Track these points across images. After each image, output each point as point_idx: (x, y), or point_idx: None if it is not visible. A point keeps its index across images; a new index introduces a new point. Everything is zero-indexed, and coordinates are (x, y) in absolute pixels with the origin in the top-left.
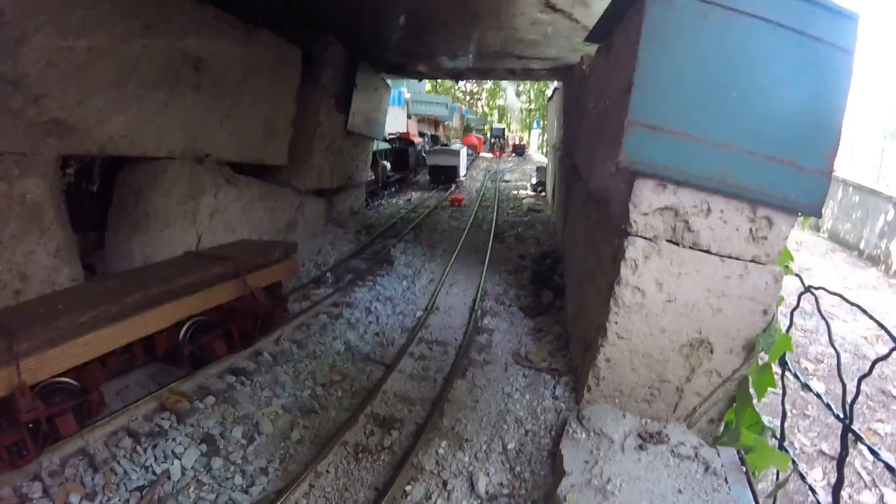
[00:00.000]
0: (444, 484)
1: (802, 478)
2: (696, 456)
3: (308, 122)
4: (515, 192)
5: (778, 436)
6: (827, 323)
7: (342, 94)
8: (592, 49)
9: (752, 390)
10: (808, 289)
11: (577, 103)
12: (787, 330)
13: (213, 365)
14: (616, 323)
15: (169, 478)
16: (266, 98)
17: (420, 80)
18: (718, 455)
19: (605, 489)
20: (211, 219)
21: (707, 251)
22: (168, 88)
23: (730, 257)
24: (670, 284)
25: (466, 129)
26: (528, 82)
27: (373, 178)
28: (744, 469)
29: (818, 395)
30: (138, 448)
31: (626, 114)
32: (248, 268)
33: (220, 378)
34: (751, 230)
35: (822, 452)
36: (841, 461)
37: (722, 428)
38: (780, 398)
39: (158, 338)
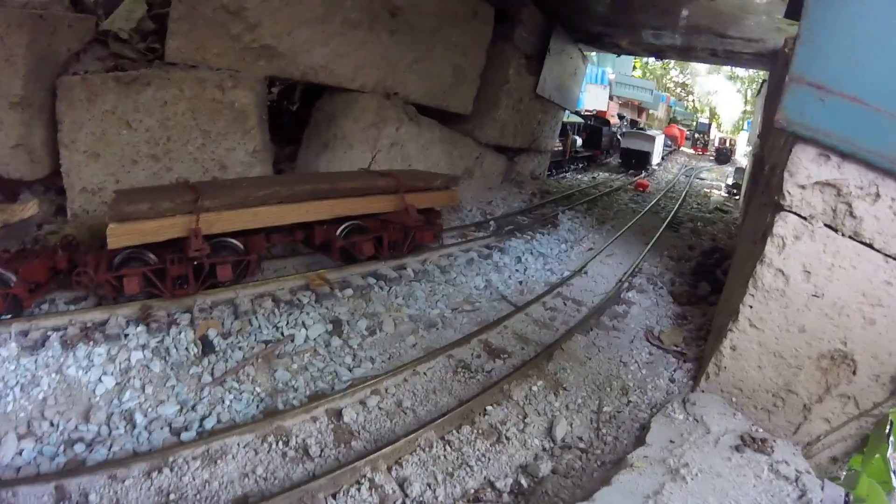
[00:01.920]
0: (525, 416)
1: None
2: (795, 480)
3: (496, 77)
4: (708, 190)
5: None
6: None
7: (535, 57)
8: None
9: (890, 434)
10: None
11: (778, 91)
12: None
13: (360, 265)
14: (751, 307)
15: (293, 341)
16: (457, 48)
17: (619, 56)
18: (822, 489)
19: (677, 471)
20: (390, 149)
21: (869, 245)
22: (367, 28)
23: (895, 259)
24: (819, 276)
25: (671, 121)
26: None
27: (560, 148)
28: None
29: None
30: (276, 311)
31: (790, 69)
32: (408, 188)
33: (363, 277)
34: None
35: None
36: None
37: (844, 473)
38: None
39: (318, 229)
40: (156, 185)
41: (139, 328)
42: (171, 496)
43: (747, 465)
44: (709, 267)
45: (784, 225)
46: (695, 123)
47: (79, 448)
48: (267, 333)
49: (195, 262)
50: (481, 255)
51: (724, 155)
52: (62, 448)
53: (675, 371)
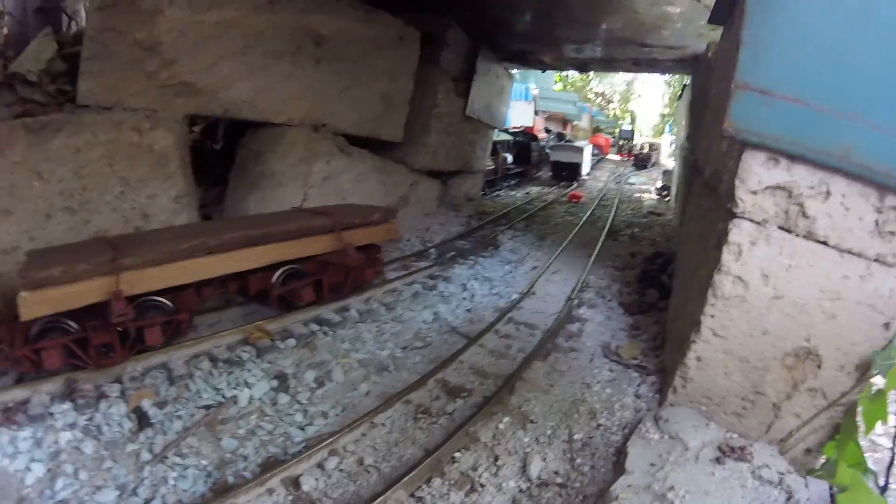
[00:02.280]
0: (496, 458)
1: None
2: (779, 482)
3: (425, 101)
4: (639, 194)
5: (881, 482)
6: None
7: (462, 78)
8: (718, 36)
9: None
10: None
11: (703, 95)
12: None
13: (300, 311)
14: (712, 317)
15: (236, 403)
16: (384, 75)
17: (543, 72)
18: (807, 487)
19: (664, 497)
20: (322, 183)
21: (824, 243)
22: (290, 60)
23: (850, 252)
24: (778, 278)
25: (595, 130)
26: (666, 86)
27: (492, 167)
28: None
29: None
30: (214, 371)
31: (734, 76)
32: (345, 225)
33: (305, 325)
34: (877, 222)
35: None
36: None
37: (820, 462)
38: (893, 437)
39: (252, 278)
40: (71, 242)
41: (65, 405)
42: None
43: (731, 476)
44: (653, 273)
45: (739, 232)
46: (618, 131)
47: None
48: (207, 397)
49: (120, 328)
50: (426, 286)
51: (641, 161)
52: None
53: (639, 386)
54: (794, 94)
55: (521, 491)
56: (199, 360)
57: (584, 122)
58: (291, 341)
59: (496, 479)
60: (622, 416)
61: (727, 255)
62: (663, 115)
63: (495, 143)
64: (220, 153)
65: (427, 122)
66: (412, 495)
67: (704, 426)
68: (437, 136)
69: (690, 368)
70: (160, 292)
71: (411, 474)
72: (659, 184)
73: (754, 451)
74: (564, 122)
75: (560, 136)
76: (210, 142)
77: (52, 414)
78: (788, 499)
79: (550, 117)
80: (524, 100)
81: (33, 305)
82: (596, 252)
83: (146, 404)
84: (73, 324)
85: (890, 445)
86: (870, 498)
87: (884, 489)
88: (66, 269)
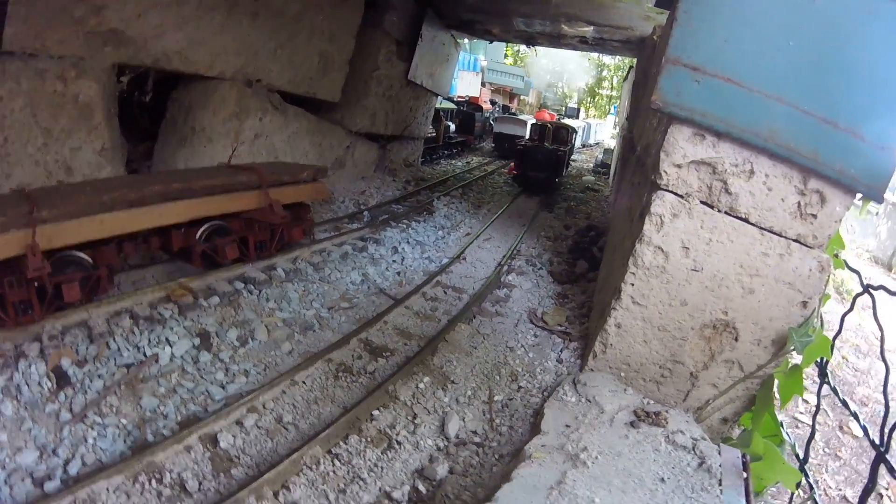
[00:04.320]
0: (415, 417)
1: None
2: (692, 448)
3: (366, 63)
4: (578, 171)
5: (801, 454)
6: (881, 328)
7: (406, 43)
8: (664, 20)
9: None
10: (865, 288)
11: (645, 77)
12: (836, 337)
13: (224, 269)
14: (632, 285)
15: (157, 361)
16: (323, 34)
17: (491, 42)
18: (719, 454)
19: (577, 457)
20: (254, 141)
21: (745, 219)
22: (225, 13)
23: (771, 231)
24: (698, 251)
25: (542, 106)
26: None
27: (434, 134)
28: (744, 475)
29: (854, 415)
30: (136, 329)
31: (666, 51)
32: (272, 182)
33: (230, 283)
34: (799, 204)
35: (846, 499)
36: (866, 493)
37: (737, 433)
38: (812, 414)
39: (175, 234)
40: None
41: None
42: None
43: (645, 440)
44: (585, 245)
45: (661, 203)
46: (564, 108)
47: None
48: (128, 356)
49: (37, 284)
50: (356, 248)
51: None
52: None
53: (561, 351)
54: (725, 73)
55: (438, 449)
56: (120, 318)
57: (531, 98)
58: (215, 299)
59: (414, 437)
60: (543, 379)
61: (649, 226)
62: (610, 98)
63: (438, 111)
64: (149, 107)
65: (367, 84)
66: (329, 452)
67: (622, 391)
68: (376, 99)
69: (610, 335)
70: (79, 247)
71: (328, 431)
72: (600, 159)
73: (669, 417)
74: (511, 96)
75: (505, 109)
76: (139, 94)
77: None
78: (700, 464)
79: (497, 90)
80: (472, 70)
81: None
82: (530, 222)
83: (66, 363)
84: None
85: (810, 423)
86: (783, 467)
87: (804, 461)
88: None
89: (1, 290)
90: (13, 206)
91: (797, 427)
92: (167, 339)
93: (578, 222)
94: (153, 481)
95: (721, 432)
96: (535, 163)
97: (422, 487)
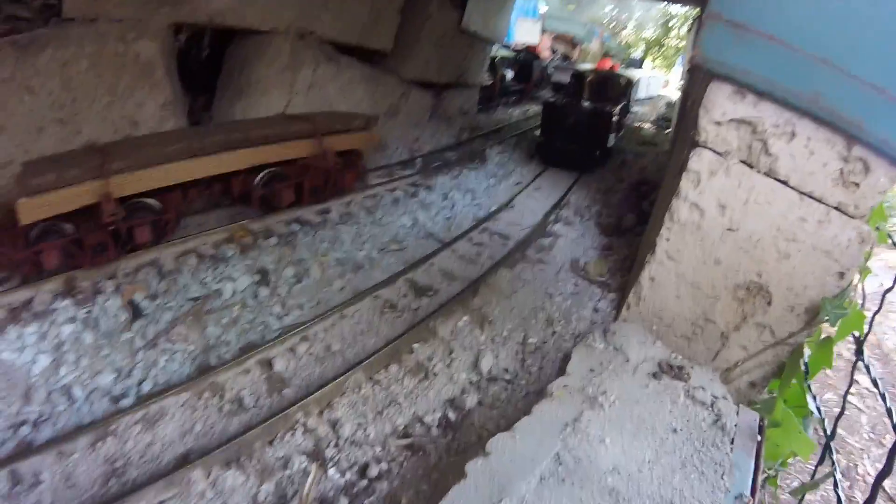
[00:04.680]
0: (451, 352)
1: (836, 485)
2: (710, 405)
3: (418, 12)
4: (639, 124)
5: (828, 431)
6: None
7: None
8: None
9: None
10: None
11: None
12: (875, 314)
13: (282, 212)
14: (667, 240)
15: (221, 295)
16: None
17: None
18: (737, 414)
19: (595, 399)
20: (308, 91)
21: (784, 182)
22: None
23: (810, 196)
24: (735, 210)
25: (605, 55)
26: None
27: (490, 83)
28: (759, 438)
29: (882, 396)
30: (201, 267)
31: (708, 5)
32: (325, 130)
33: (286, 225)
34: (841, 171)
35: (883, 490)
36: (881, 476)
37: (763, 397)
38: (844, 392)
39: (235, 180)
40: (63, 151)
41: (66, 301)
42: (118, 463)
43: (664, 391)
44: (635, 199)
45: (699, 160)
46: (627, 58)
47: (25, 430)
48: (194, 291)
49: (112, 228)
50: (408, 193)
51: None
52: (9, 433)
53: (599, 301)
54: (768, 31)
55: (470, 383)
56: (187, 257)
57: (593, 46)
58: (273, 240)
59: (449, 370)
60: (577, 326)
61: (686, 182)
62: (677, 49)
63: (494, 59)
64: (206, 61)
65: (419, 33)
66: (370, 378)
67: (650, 344)
68: (428, 48)
69: (644, 287)
70: (148, 194)
71: (371, 359)
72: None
73: (692, 373)
74: (573, 44)
75: (565, 58)
76: (196, 50)
77: (54, 310)
78: (716, 421)
79: (558, 38)
80: (531, 17)
81: (31, 210)
82: (582, 174)
83: (139, 297)
84: (68, 226)
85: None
86: (799, 436)
87: (830, 437)
88: (59, 174)
89: (80, 235)
90: (88, 160)
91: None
92: (230, 275)
93: (632, 176)
94: (215, 398)
95: (748, 396)
96: (564, 129)
97: (451, 415)
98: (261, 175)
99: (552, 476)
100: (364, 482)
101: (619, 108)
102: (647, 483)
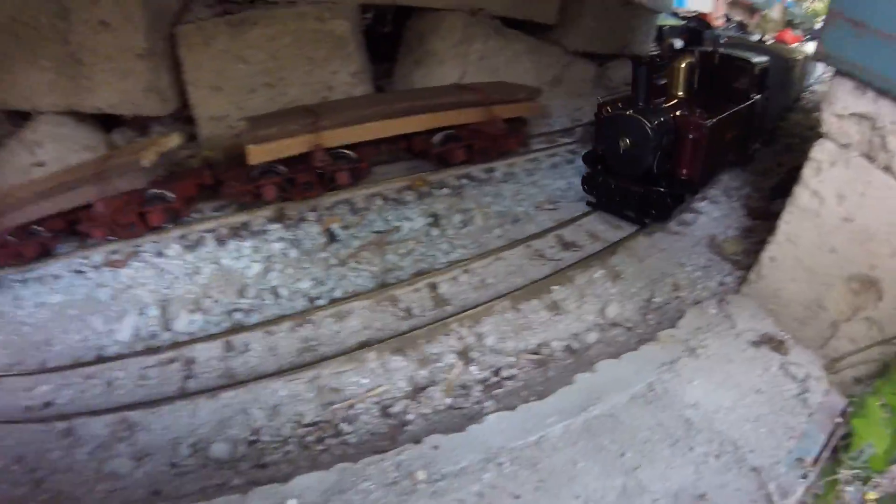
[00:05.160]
0: (583, 297)
1: None
2: (802, 380)
3: None
4: (814, 105)
5: None
6: None
7: None
8: None
9: None
10: None
11: None
12: None
13: (454, 168)
14: (788, 223)
15: (399, 231)
16: None
17: None
18: (826, 394)
19: (694, 350)
20: (479, 62)
21: None
22: None
23: None
24: (851, 202)
25: (787, 24)
26: None
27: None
28: (838, 420)
29: None
30: (385, 207)
31: (830, 3)
32: (493, 100)
33: (457, 179)
34: None
35: None
36: None
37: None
38: None
39: (416, 139)
40: (277, 110)
41: (276, 225)
42: (311, 342)
43: (759, 358)
44: (789, 184)
45: (821, 150)
46: (811, 29)
47: (238, 316)
48: (378, 225)
49: (318, 171)
50: (566, 159)
51: None
52: (225, 317)
53: (727, 276)
54: (889, 30)
55: (595, 324)
56: (375, 199)
57: (774, 14)
58: (445, 190)
59: (579, 311)
60: (700, 294)
61: (807, 170)
62: None
63: (661, 28)
64: (389, 35)
65: (581, 5)
66: (513, 306)
67: (760, 318)
68: (591, 19)
69: (763, 266)
70: (347, 146)
71: (516, 292)
72: None
73: (792, 350)
74: (752, 10)
75: (741, 27)
76: (380, 26)
77: (266, 231)
78: (800, 394)
79: (734, 4)
80: None
81: (258, 155)
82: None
83: (334, 227)
84: (283, 168)
85: None
86: (877, 430)
87: None
88: (280, 128)
89: (293, 174)
90: (303, 118)
91: None
92: (408, 216)
93: (795, 161)
94: (390, 306)
95: (852, 391)
96: (621, 156)
97: (574, 345)
98: (437, 136)
99: (642, 398)
100: (496, 379)
101: (756, 109)
102: (719, 422)
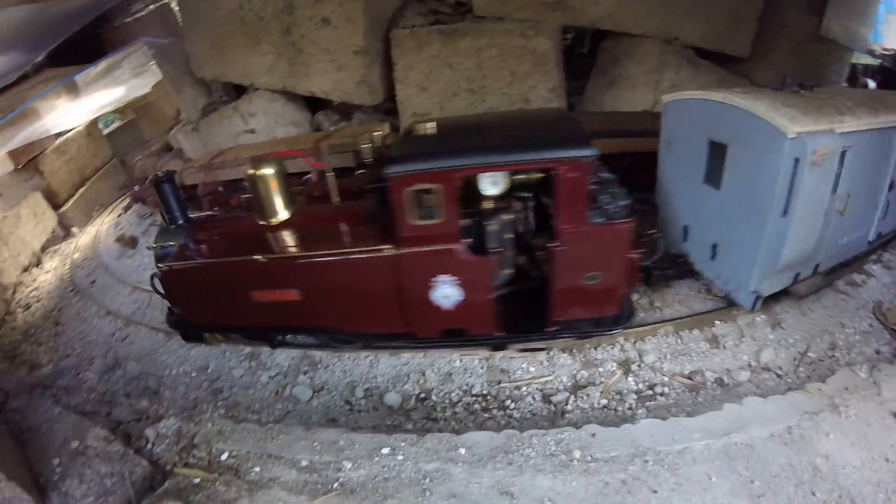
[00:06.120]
0: (742, 336)
1: None
2: None
3: (775, 18)
4: None
5: None
6: None
7: None
8: None
9: None
10: None
11: None
12: None
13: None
14: None
15: None
16: None
17: None
18: None
19: (836, 407)
20: (670, 90)
21: None
22: None
23: None
24: None
25: None
26: None
27: None
28: None
29: None
30: None
31: None
32: None
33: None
34: None
35: None
36: None
37: None
38: None
39: (605, 158)
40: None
41: None
42: None
43: None
44: None
45: None
46: None
47: None
48: None
49: None
50: None
51: None
52: None
53: (884, 345)
54: None
55: (748, 365)
56: None
57: None
58: None
59: (735, 349)
60: (854, 357)
61: None
62: None
63: (854, 67)
64: (585, 56)
65: (774, 41)
66: (676, 332)
67: None
68: (783, 55)
69: None
70: None
71: (682, 319)
72: None
73: None
74: None
75: None
76: (579, 47)
77: None
78: None
79: None
80: None
81: None
82: None
83: None
84: None
85: None
86: None
87: None
88: None
89: None
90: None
91: None
92: None
93: None
94: None
95: None
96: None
97: (725, 379)
98: (625, 158)
99: (780, 437)
100: (650, 392)
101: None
102: (843, 477)
